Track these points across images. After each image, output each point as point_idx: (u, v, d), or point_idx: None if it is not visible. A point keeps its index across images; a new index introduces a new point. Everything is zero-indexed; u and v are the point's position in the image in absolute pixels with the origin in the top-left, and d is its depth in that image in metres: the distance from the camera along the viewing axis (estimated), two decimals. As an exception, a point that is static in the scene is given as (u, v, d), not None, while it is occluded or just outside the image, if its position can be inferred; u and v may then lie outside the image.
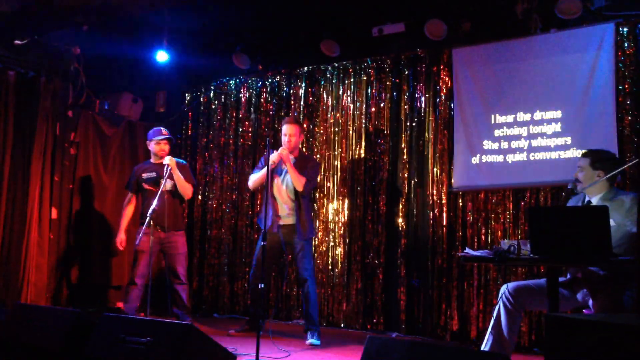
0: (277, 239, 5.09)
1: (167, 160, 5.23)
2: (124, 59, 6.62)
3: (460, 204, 5.50)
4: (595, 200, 3.57)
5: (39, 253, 5.85)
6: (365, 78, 6.15)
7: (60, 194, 6.17)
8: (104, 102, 6.69)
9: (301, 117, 6.50)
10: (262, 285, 4.47)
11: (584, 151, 3.78)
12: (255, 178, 5.21)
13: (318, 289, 6.13)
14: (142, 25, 6.14)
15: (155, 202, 5.04)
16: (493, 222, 5.32)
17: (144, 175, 5.39)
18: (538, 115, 5.20)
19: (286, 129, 5.07)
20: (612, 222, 3.20)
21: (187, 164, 5.68)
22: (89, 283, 6.33)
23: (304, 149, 6.42)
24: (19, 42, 5.70)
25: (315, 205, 6.27)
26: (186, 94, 7.33)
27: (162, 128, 5.47)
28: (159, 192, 5.12)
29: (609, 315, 2.33)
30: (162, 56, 6.30)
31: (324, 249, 6.18)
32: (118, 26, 6.07)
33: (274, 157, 5.00)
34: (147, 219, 5.03)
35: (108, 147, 6.65)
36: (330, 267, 6.12)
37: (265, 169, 4.94)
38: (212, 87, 7.17)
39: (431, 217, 5.61)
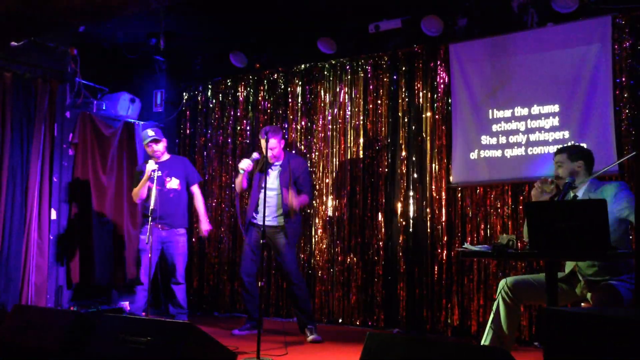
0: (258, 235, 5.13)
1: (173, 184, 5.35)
2: (121, 59, 6.61)
3: (459, 199, 5.50)
4: (580, 194, 3.60)
5: (39, 254, 5.85)
6: (362, 75, 6.15)
7: (59, 195, 6.17)
8: (101, 102, 6.69)
9: (299, 114, 6.50)
10: (263, 283, 4.49)
11: (557, 148, 3.83)
12: (237, 182, 5.30)
13: (318, 286, 6.15)
14: (139, 25, 6.13)
15: (156, 200, 5.04)
16: (492, 217, 5.32)
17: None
18: (536, 109, 5.19)
19: (264, 144, 5.02)
20: None
21: (187, 159, 5.73)
22: (88, 283, 6.33)
23: (302, 147, 6.42)
24: (15, 43, 5.69)
25: (314, 202, 6.27)
26: (184, 93, 7.32)
27: (149, 130, 5.46)
28: (156, 190, 5.10)
29: (607, 309, 2.34)
30: (158, 56, 6.28)
31: (324, 246, 6.18)
32: (115, 26, 6.07)
33: (243, 164, 5.08)
34: (150, 217, 5.02)
35: (106, 148, 6.64)
36: (329, 264, 6.12)
37: (242, 178, 5.16)
38: (210, 86, 7.17)
39: (430, 212, 5.61)
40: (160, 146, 5.40)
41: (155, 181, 5.16)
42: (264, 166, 4.89)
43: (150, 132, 5.39)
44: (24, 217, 5.78)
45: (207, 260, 6.92)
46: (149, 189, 5.24)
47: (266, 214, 5.00)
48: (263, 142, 5.02)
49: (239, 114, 6.94)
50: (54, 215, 6.08)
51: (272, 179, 5.16)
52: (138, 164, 6.52)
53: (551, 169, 4.97)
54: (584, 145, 4.30)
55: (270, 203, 5.07)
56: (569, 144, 3.79)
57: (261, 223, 4.85)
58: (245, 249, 5.27)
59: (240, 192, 5.49)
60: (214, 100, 7.14)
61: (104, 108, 6.71)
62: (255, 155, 5.23)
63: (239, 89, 6.96)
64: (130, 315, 5.16)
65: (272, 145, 5.05)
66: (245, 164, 5.09)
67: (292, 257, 5.17)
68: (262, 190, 4.77)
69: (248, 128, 6.85)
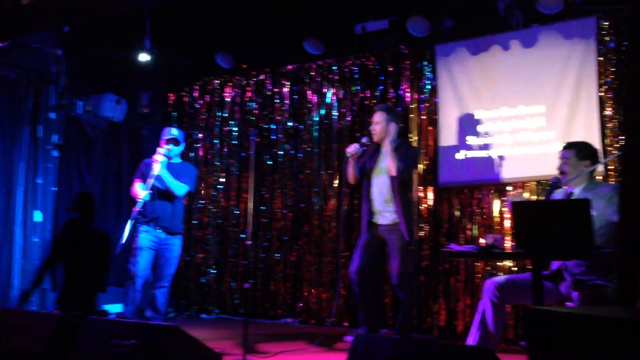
0: (376, 237, 4.74)
1: (158, 157, 4.97)
2: (106, 60, 6.56)
3: (446, 199, 5.51)
4: (577, 192, 3.60)
5: (24, 257, 5.80)
6: (349, 75, 6.15)
7: (44, 197, 6.11)
8: (86, 103, 6.63)
9: (287, 115, 6.48)
10: (249, 285, 4.45)
11: (566, 143, 3.78)
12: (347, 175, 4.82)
13: (306, 288, 6.14)
14: (124, 26, 6.09)
15: (155, 200, 4.96)
16: (478, 217, 5.34)
17: (150, 172, 5.16)
18: (522, 110, 5.22)
19: (373, 117, 4.77)
20: (593, 212, 3.22)
21: (195, 169, 5.42)
22: (74, 286, 6.25)
23: (289, 148, 6.41)
24: (-2, 44, 5.64)
25: (301, 204, 6.25)
26: (170, 94, 7.28)
27: (174, 128, 5.29)
28: (153, 190, 4.99)
29: (590, 308, 2.35)
30: (144, 57, 6.24)
31: (312, 247, 6.17)
32: (100, 27, 6.02)
33: (350, 149, 4.63)
34: (148, 217, 4.93)
35: (91, 149, 6.58)
36: (317, 265, 6.11)
37: (349, 166, 4.70)
38: (196, 87, 7.13)
39: (417, 213, 5.62)
40: (177, 150, 5.25)
41: (158, 181, 5.00)
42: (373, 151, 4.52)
43: (174, 131, 5.20)
44: (9, 219, 5.72)
45: (193, 262, 6.88)
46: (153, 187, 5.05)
47: (381, 209, 4.68)
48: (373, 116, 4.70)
49: (225, 114, 6.91)
50: (38, 217, 6.02)
51: (378, 166, 4.74)
52: (124, 165, 6.52)
53: (536, 170, 5.04)
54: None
55: (383, 196, 4.66)
56: (577, 141, 3.74)
57: (384, 223, 4.64)
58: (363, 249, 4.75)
59: (353, 183, 4.84)
60: (200, 101, 7.11)
61: (89, 109, 6.64)
62: (364, 139, 4.74)
63: (226, 90, 6.94)
64: (118, 317, 5.10)
65: (375, 119, 4.67)
66: (352, 149, 4.60)
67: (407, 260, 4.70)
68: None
69: (235, 129, 6.82)
